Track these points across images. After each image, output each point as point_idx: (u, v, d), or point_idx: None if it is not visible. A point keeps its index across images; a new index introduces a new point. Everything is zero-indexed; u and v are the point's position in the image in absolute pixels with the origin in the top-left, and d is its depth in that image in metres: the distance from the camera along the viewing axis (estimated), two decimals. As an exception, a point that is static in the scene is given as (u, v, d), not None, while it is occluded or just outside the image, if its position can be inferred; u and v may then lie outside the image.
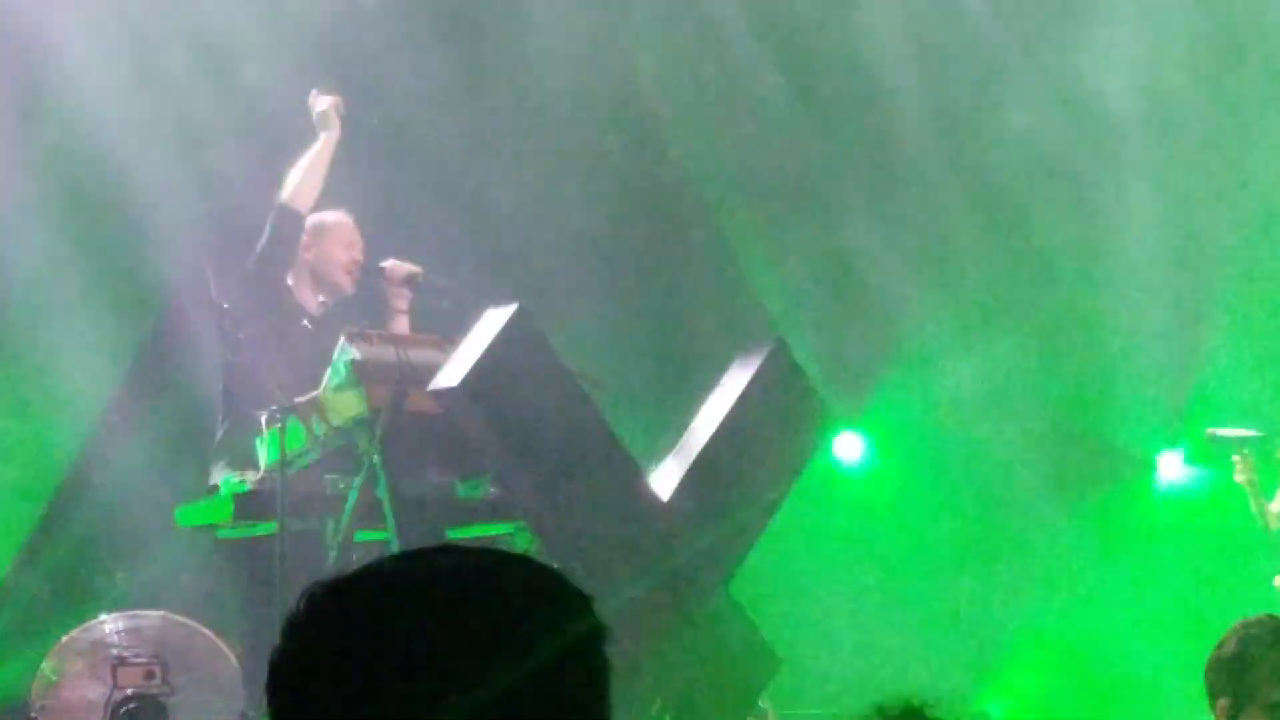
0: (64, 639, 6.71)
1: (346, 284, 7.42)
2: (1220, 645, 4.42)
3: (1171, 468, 10.29)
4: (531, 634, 1.81)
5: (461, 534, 6.95)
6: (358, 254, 7.42)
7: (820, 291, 10.14)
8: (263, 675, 1.84)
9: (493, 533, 7.07)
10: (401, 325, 7.38)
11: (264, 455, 6.83)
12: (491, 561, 1.90)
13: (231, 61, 8.58)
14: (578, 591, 1.89)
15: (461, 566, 1.88)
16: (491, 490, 6.96)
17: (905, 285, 10.12)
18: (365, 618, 1.81)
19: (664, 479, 7.00)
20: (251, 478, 6.82)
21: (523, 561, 1.92)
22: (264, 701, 1.85)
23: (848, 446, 10.21)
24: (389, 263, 7.46)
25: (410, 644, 1.78)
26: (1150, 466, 10.35)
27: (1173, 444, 10.27)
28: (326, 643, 1.81)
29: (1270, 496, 8.55)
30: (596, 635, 1.87)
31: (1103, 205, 10.13)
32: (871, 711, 3.24)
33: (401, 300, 7.42)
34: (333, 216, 7.43)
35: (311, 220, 7.33)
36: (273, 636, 1.85)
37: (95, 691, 6.56)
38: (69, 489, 8.63)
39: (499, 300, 6.79)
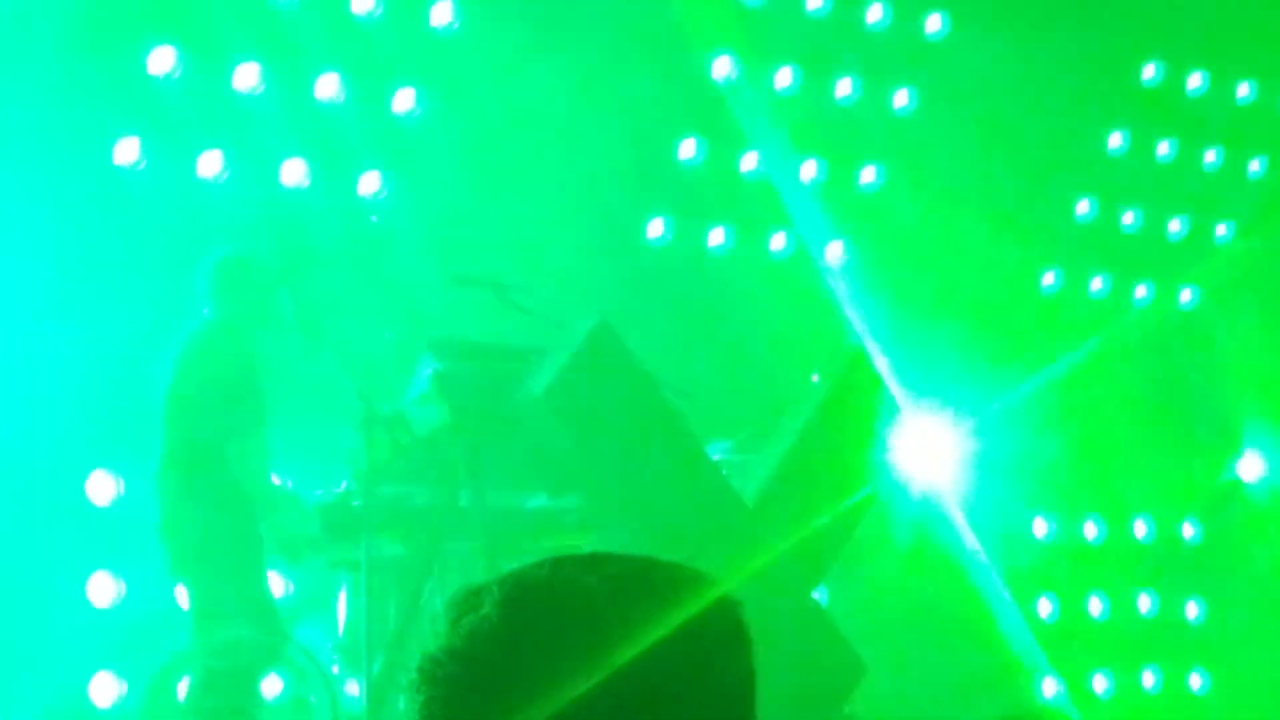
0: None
1: None
2: None
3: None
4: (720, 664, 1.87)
5: (547, 544, 6.99)
6: None
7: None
8: None
9: (577, 542, 7.11)
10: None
11: (351, 468, 6.89)
12: (646, 568, 1.92)
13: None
14: (730, 599, 1.93)
15: (622, 574, 1.90)
16: (576, 501, 7.00)
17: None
18: (540, 624, 1.83)
19: (749, 486, 7.03)
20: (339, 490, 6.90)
21: (677, 568, 1.95)
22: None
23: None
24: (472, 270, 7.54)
25: (570, 648, 1.81)
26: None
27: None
28: (497, 646, 1.83)
29: None
30: (746, 638, 1.91)
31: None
32: None
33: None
34: None
35: None
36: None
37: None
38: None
39: (581, 311, 6.83)
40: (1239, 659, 10.22)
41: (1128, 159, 10.72)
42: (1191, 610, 10.53)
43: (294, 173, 8.33)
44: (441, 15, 8.83)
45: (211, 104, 8.18)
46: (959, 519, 9.45)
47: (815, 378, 8.15)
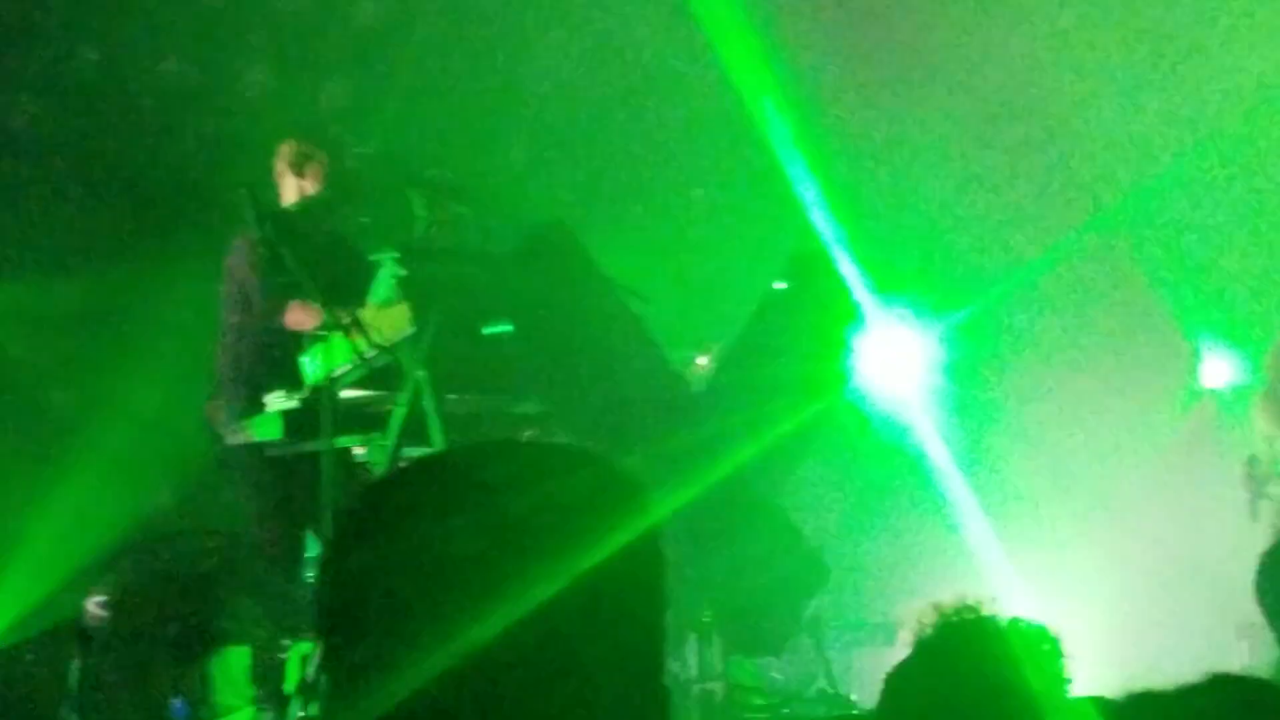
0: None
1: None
2: None
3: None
4: (588, 529, 1.79)
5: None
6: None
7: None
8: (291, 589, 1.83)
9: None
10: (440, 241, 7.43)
11: (309, 373, 6.85)
12: (550, 455, 1.88)
13: None
14: (636, 485, 1.87)
15: (520, 459, 1.86)
16: (538, 405, 6.99)
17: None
18: (420, 509, 1.79)
19: (708, 390, 7.02)
20: (298, 395, 6.86)
21: (582, 455, 1.90)
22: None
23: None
24: (429, 174, 7.52)
25: (463, 540, 1.77)
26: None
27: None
28: (380, 534, 1.79)
29: None
30: (653, 532, 1.86)
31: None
32: (928, 611, 3.22)
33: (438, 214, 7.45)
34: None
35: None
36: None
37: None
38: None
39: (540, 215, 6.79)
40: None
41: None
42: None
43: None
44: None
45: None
46: (925, 426, 9.48)
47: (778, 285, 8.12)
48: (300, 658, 6.54)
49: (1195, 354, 10.39)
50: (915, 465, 9.84)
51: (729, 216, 9.94)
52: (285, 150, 7.67)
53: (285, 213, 7.52)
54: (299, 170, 7.60)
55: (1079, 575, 9.75)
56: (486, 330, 6.73)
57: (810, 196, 9.71)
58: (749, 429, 6.84)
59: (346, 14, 9.37)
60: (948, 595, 3.34)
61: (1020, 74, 10.29)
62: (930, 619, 3.22)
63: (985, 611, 3.23)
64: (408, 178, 7.53)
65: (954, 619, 3.25)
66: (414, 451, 6.81)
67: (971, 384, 10.08)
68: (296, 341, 7.00)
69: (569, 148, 9.97)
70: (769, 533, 6.90)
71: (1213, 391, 10.41)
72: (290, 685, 6.53)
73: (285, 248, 6.78)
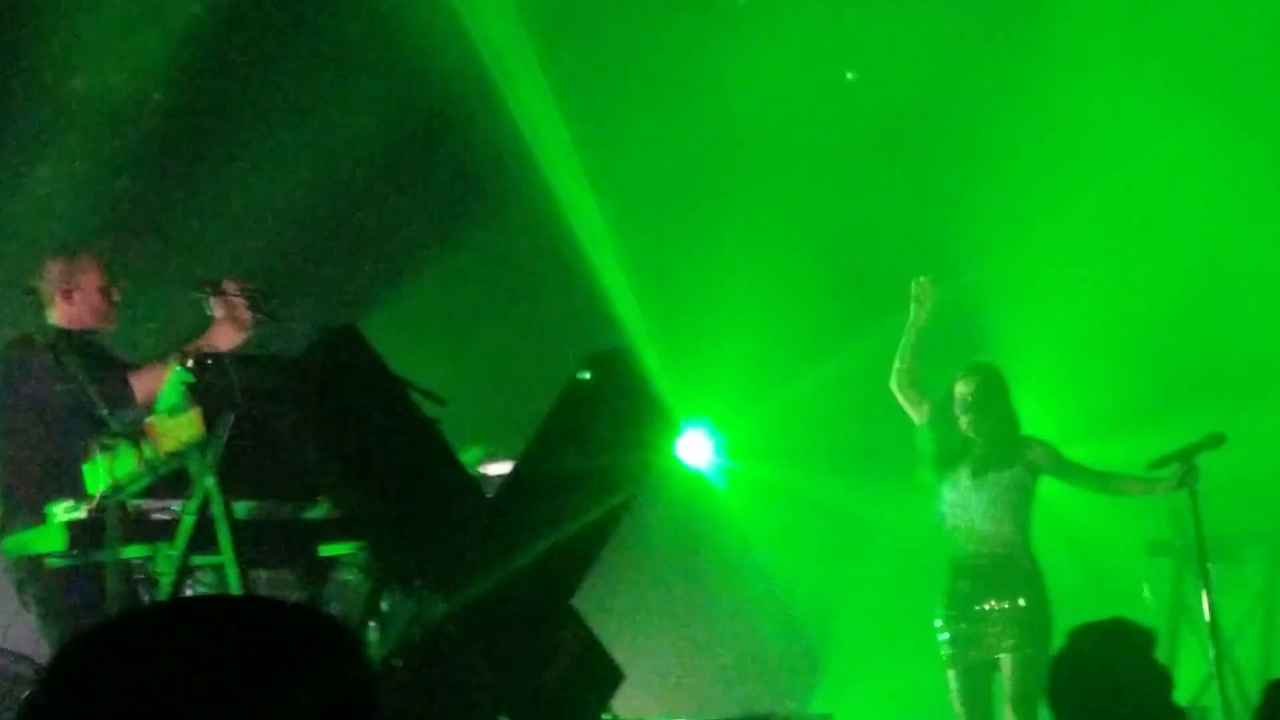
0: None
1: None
2: None
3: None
4: (295, 682, 1.79)
5: (302, 555, 6.89)
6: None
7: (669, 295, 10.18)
8: None
9: (334, 553, 7.03)
10: (232, 342, 7.36)
11: (94, 482, 6.72)
12: (251, 608, 1.87)
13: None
14: (347, 636, 1.87)
15: (218, 615, 1.85)
16: (331, 510, 6.91)
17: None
18: (115, 673, 1.77)
19: (504, 488, 7.00)
20: (83, 505, 6.72)
21: (285, 608, 1.89)
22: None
23: (696, 449, 10.26)
24: (221, 279, 7.44)
25: (163, 697, 1.75)
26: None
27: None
28: (73, 699, 1.77)
29: None
30: (366, 683, 1.86)
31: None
32: None
33: (234, 317, 7.39)
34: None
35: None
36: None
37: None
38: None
39: (329, 318, 6.74)
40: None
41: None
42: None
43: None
44: None
45: None
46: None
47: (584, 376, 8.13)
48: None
49: None
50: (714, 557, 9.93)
51: (532, 314, 9.94)
52: (52, 270, 7.54)
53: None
54: (67, 295, 7.49)
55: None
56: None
57: (613, 293, 9.80)
58: (545, 526, 6.83)
59: (139, 108, 9.26)
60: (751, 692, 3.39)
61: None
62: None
63: None
64: (198, 280, 7.48)
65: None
66: (202, 560, 6.71)
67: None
68: (82, 450, 6.87)
69: (374, 243, 9.92)
70: (563, 634, 6.87)
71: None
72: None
73: (66, 355, 6.68)
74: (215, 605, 1.89)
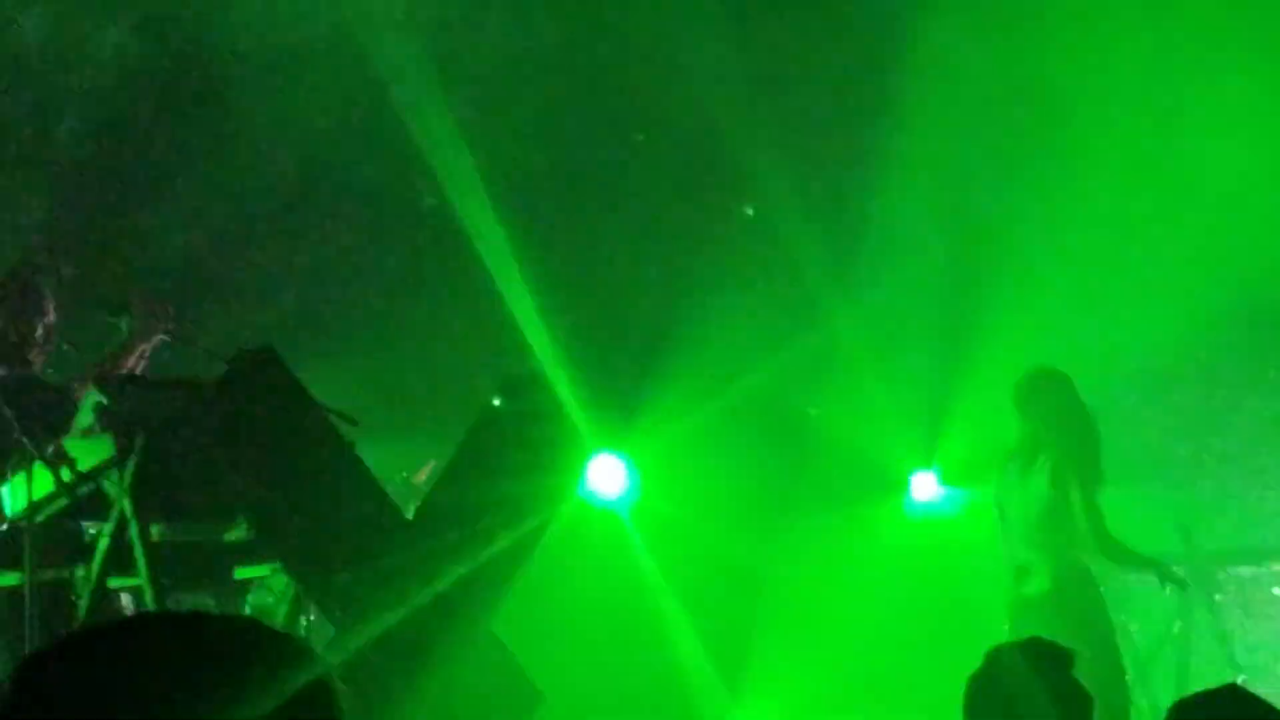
0: None
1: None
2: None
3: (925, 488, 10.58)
4: (250, 687, 1.83)
5: (219, 577, 6.88)
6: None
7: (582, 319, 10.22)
8: None
9: (251, 575, 7.02)
10: (141, 366, 7.36)
11: (9, 503, 6.69)
12: (199, 622, 1.91)
13: None
14: (297, 643, 1.92)
15: (167, 630, 1.89)
16: (248, 532, 6.90)
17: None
18: (79, 687, 1.81)
19: (420, 511, 7.03)
20: (-1, 526, 6.69)
21: (238, 620, 1.93)
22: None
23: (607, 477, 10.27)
24: (128, 298, 7.45)
25: (126, 710, 1.78)
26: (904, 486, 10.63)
27: (926, 465, 10.55)
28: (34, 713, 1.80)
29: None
30: (324, 685, 1.90)
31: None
32: None
33: (146, 339, 7.39)
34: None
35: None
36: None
37: None
38: None
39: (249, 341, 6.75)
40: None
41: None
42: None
43: None
44: None
45: None
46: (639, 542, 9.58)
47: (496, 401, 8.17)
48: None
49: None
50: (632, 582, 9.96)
51: (451, 334, 9.95)
52: None
53: None
54: None
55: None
56: None
57: (526, 317, 9.82)
58: (461, 548, 6.85)
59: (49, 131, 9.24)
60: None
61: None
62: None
63: None
64: (112, 302, 7.46)
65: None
66: (119, 582, 6.69)
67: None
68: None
69: (290, 263, 9.91)
70: (482, 657, 6.90)
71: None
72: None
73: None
74: (172, 619, 1.92)
